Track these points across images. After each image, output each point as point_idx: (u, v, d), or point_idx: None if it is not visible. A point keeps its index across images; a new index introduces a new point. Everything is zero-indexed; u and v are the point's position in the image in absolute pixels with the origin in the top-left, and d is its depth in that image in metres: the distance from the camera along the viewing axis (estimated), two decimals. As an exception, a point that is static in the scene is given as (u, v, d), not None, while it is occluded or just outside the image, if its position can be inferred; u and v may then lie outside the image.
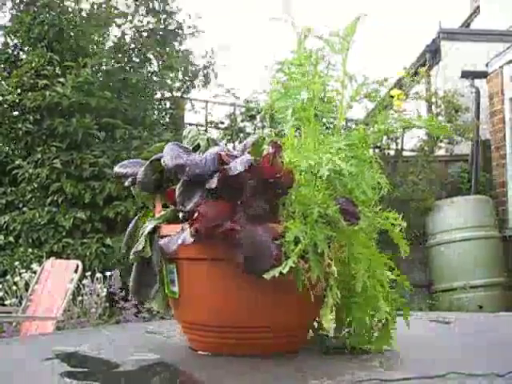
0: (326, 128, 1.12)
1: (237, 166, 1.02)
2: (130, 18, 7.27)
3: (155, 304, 1.17)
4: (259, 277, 0.98)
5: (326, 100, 1.14)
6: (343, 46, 1.12)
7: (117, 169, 1.25)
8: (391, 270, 1.08)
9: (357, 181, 1.06)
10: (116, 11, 7.12)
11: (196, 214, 1.02)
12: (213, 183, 1.04)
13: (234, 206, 1.03)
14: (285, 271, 0.96)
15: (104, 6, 7.10)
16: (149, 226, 1.14)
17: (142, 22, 7.38)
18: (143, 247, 1.12)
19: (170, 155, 1.11)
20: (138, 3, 7.31)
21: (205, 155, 1.11)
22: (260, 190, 1.04)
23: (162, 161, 1.12)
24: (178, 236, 1.05)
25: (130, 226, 1.23)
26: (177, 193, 1.09)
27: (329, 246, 1.01)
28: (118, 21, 7.16)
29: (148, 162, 1.19)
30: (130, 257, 1.15)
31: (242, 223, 1.01)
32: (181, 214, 1.12)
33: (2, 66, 6.83)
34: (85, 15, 6.96)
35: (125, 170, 1.24)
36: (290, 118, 1.10)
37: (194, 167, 1.08)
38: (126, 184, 1.24)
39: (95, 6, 7.08)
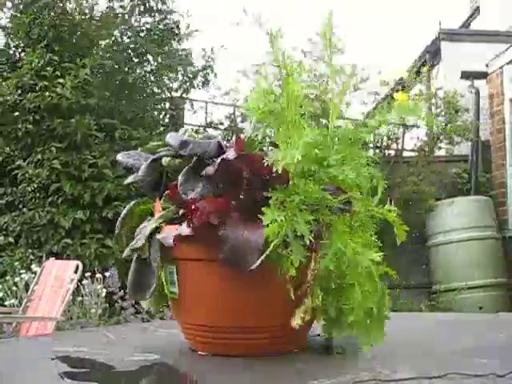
0: (318, 125, 1.12)
1: (230, 153, 1.04)
2: (126, 17, 7.26)
3: (148, 303, 1.17)
4: (241, 271, 0.98)
5: (315, 99, 1.15)
6: (326, 44, 1.12)
7: (120, 157, 1.25)
8: (379, 263, 1.06)
9: (340, 168, 1.06)
10: (114, 15, 7.11)
11: (192, 207, 1.03)
12: (210, 170, 1.05)
13: (229, 202, 1.04)
14: (266, 253, 0.96)
15: (106, 9, 7.10)
16: (150, 226, 1.13)
17: (139, 21, 7.38)
18: (142, 245, 1.11)
19: (173, 137, 1.16)
20: (134, 3, 7.29)
21: (208, 140, 1.16)
22: (256, 186, 1.04)
23: (166, 140, 1.15)
24: (174, 229, 1.06)
25: (126, 209, 1.24)
26: (179, 181, 1.09)
27: (313, 234, 1.00)
28: (117, 22, 7.15)
29: (148, 162, 1.19)
30: (125, 253, 1.15)
31: (233, 219, 1.01)
32: (181, 211, 1.12)
33: (2, 66, 6.83)
34: (86, 17, 6.95)
35: (127, 159, 1.24)
36: (260, 119, 1.11)
37: (197, 145, 1.12)
38: (129, 180, 1.23)
39: (95, 9, 7.08)
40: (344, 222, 1.05)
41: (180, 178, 1.10)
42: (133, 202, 1.25)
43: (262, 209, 0.99)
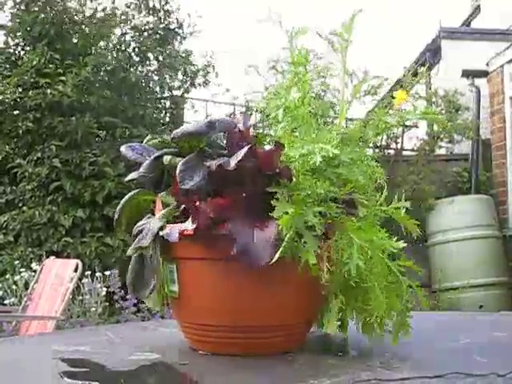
0: (325, 125, 1.12)
1: (231, 161, 1.03)
2: (130, 17, 7.28)
3: (150, 302, 1.17)
4: (258, 267, 0.97)
5: (323, 98, 1.15)
6: (342, 44, 1.12)
7: (123, 149, 1.25)
8: (395, 258, 1.06)
9: (351, 168, 1.05)
10: (119, 13, 7.12)
11: (197, 203, 1.03)
12: (213, 165, 1.04)
13: (232, 200, 1.03)
14: (283, 245, 0.96)
15: (108, 10, 7.10)
16: (155, 224, 1.13)
17: (142, 21, 7.39)
18: (148, 246, 1.11)
19: (193, 125, 1.13)
20: (138, 2, 7.31)
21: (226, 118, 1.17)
22: (260, 183, 1.04)
23: (184, 131, 1.13)
24: (179, 226, 1.06)
25: (127, 196, 1.23)
26: (178, 169, 1.08)
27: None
28: (119, 21, 7.17)
29: (150, 159, 1.19)
30: (129, 251, 1.14)
31: (239, 217, 1.01)
32: (182, 207, 1.11)
33: (3, 65, 6.83)
34: (87, 16, 6.96)
35: (131, 152, 1.23)
36: (281, 117, 1.10)
37: (223, 123, 1.12)
38: (130, 178, 1.23)
39: (99, 8, 7.08)
40: (353, 221, 1.05)
41: (180, 165, 1.09)
42: (134, 192, 1.24)
43: (272, 202, 0.99)
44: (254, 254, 0.98)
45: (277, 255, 0.97)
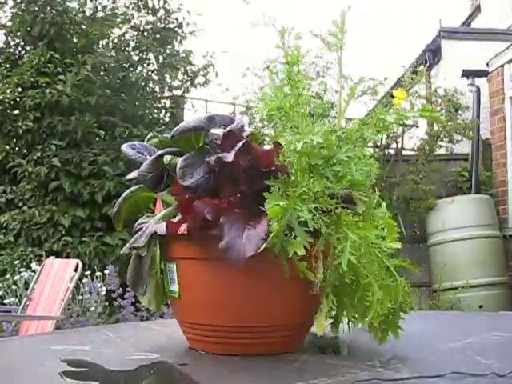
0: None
1: (228, 154, 1.03)
2: (129, 16, 7.27)
3: (145, 300, 1.17)
4: (240, 263, 0.97)
5: (321, 99, 1.15)
6: (337, 44, 1.11)
7: (124, 148, 1.25)
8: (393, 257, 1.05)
9: (348, 166, 1.05)
10: (119, 13, 7.12)
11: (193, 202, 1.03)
12: (211, 159, 1.04)
13: (227, 200, 1.03)
14: (270, 237, 0.96)
15: (108, 9, 7.10)
16: (152, 225, 1.13)
17: (141, 20, 7.39)
18: (143, 246, 1.11)
19: (193, 120, 1.13)
20: (137, 1, 7.30)
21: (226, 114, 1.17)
22: (255, 179, 1.04)
23: (185, 126, 1.13)
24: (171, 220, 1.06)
25: (127, 191, 1.24)
26: (178, 165, 1.08)
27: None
28: (120, 21, 7.17)
29: (151, 159, 1.19)
30: (124, 249, 1.14)
31: (232, 215, 1.01)
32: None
33: (3, 64, 6.83)
34: (88, 15, 6.96)
35: (131, 151, 1.23)
36: (278, 117, 1.10)
37: (222, 117, 1.13)
38: (130, 177, 1.23)
39: (99, 8, 7.08)
40: (350, 217, 1.05)
41: (180, 162, 1.09)
42: (133, 188, 1.24)
43: (264, 194, 0.99)
44: (238, 249, 0.97)
45: (263, 246, 0.96)
